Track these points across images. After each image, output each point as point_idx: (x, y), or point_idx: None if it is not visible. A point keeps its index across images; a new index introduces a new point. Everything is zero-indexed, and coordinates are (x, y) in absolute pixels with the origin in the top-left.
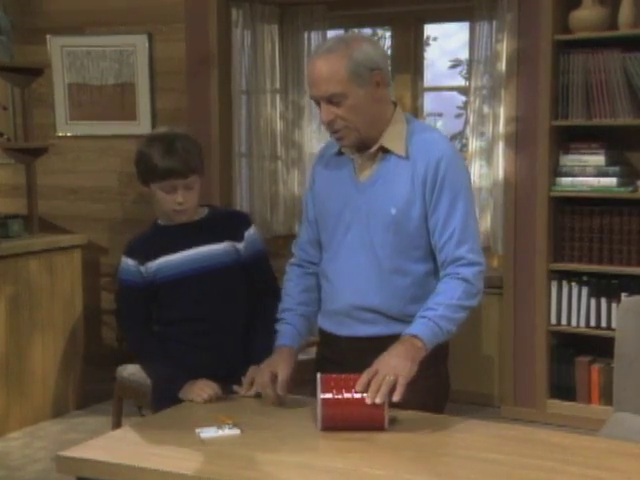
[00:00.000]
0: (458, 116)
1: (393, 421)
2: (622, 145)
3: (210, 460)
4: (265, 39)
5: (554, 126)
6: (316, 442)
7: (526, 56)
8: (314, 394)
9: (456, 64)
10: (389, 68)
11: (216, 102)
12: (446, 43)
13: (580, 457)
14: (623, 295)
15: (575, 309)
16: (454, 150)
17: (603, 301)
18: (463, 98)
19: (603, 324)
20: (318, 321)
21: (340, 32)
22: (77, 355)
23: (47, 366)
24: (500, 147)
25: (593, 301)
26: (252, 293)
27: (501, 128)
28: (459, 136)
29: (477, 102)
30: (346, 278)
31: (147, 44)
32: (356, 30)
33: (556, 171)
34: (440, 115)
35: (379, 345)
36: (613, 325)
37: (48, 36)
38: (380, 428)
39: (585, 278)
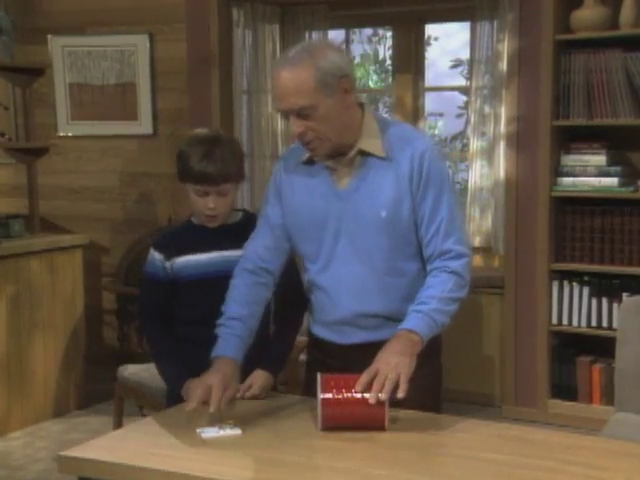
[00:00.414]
0: (459, 116)
1: (394, 421)
2: (623, 145)
3: (212, 460)
4: (266, 39)
5: (555, 126)
6: (317, 442)
7: (527, 56)
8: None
9: (457, 64)
10: (354, 72)
11: (217, 102)
12: (447, 43)
13: (581, 457)
14: (624, 295)
15: (576, 309)
16: (431, 142)
17: (604, 301)
18: (464, 98)
19: (604, 324)
20: (313, 331)
21: (341, 32)
22: (78, 355)
23: (48, 366)
24: (501, 147)
25: (594, 301)
26: (277, 299)
27: (502, 128)
28: (460, 136)
29: (478, 102)
30: (344, 287)
31: (148, 44)
32: (357, 30)
33: (557, 171)
34: (441, 115)
35: None
36: (614, 325)
37: (49, 36)
38: (381, 428)
39: (586, 278)
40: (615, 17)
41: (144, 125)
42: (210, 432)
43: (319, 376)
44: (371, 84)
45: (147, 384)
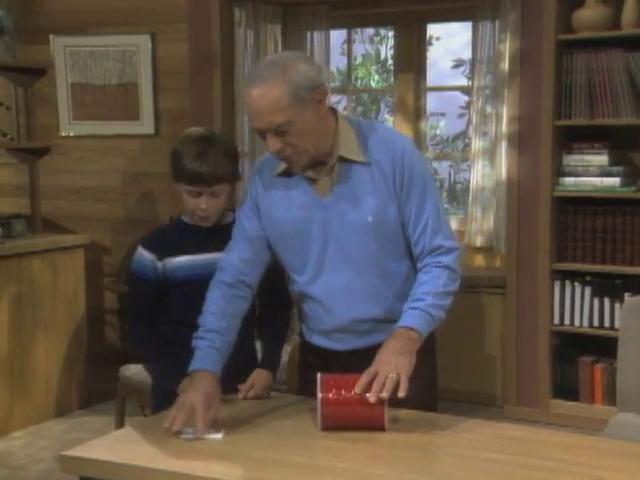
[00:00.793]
0: (461, 116)
1: (395, 421)
2: (625, 145)
3: (214, 460)
4: (268, 39)
5: (557, 126)
6: (318, 442)
7: (529, 56)
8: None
9: (459, 64)
10: (325, 79)
11: (219, 102)
12: (449, 43)
13: (583, 457)
14: (626, 295)
15: (578, 309)
16: (411, 142)
17: (606, 301)
18: (466, 98)
19: (606, 324)
20: (310, 340)
21: (343, 32)
22: (80, 355)
23: (50, 366)
24: (503, 147)
25: (596, 301)
26: (261, 303)
27: (504, 128)
28: (462, 136)
29: (480, 102)
30: (338, 296)
31: (150, 44)
32: (359, 30)
33: (559, 171)
34: (443, 115)
35: None
36: (616, 325)
37: (51, 36)
38: (380, 428)
39: (588, 278)
40: (617, 17)
41: (146, 125)
42: (190, 434)
43: (319, 376)
44: (373, 84)
45: (149, 384)
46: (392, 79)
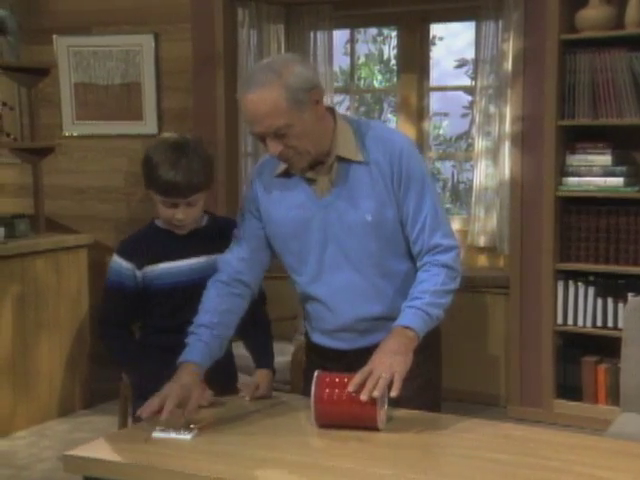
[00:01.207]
0: (464, 116)
1: (398, 421)
2: (629, 145)
3: (217, 459)
4: (271, 39)
5: (560, 126)
6: (321, 442)
7: (532, 56)
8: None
9: (462, 64)
10: (319, 80)
11: (222, 102)
12: (452, 43)
13: (587, 457)
14: (630, 295)
15: (581, 309)
16: (408, 139)
17: (610, 301)
18: (469, 98)
19: (610, 324)
20: (314, 339)
21: (346, 32)
22: (83, 354)
23: (53, 365)
24: (506, 147)
25: (600, 301)
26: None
27: (507, 128)
28: (465, 136)
29: (483, 102)
30: (339, 296)
31: (153, 44)
32: (362, 30)
33: (562, 171)
34: (446, 115)
35: None
36: (620, 325)
37: (54, 36)
38: (374, 428)
39: (591, 278)
40: (620, 17)
41: (149, 125)
42: (162, 433)
43: (316, 374)
44: (376, 84)
45: None
46: (395, 79)
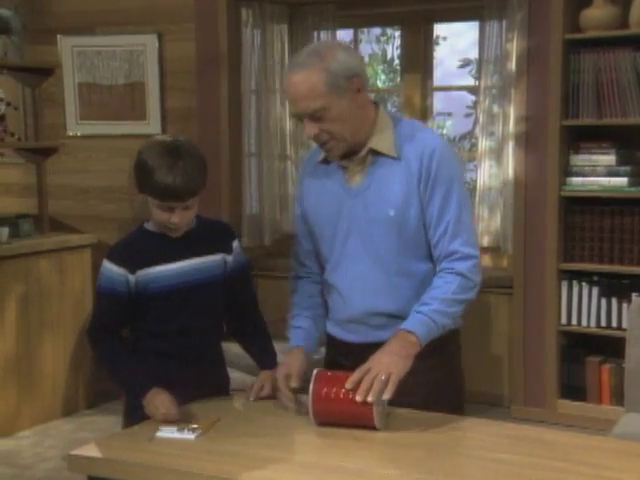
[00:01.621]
0: (468, 116)
1: (403, 421)
2: (633, 144)
3: (221, 459)
4: (275, 39)
5: (564, 126)
6: (326, 442)
7: (536, 55)
8: None
9: (466, 63)
10: (365, 70)
11: (226, 101)
12: (456, 42)
13: (591, 457)
14: (634, 295)
15: (585, 309)
16: (445, 143)
17: (614, 301)
18: (473, 98)
19: (614, 324)
20: (328, 329)
21: (349, 32)
22: (87, 354)
23: (57, 365)
24: (510, 147)
25: (604, 301)
26: (234, 304)
27: (511, 128)
28: (468, 136)
29: (487, 102)
30: (354, 286)
31: (157, 44)
32: (365, 30)
33: (566, 171)
34: (450, 115)
35: None
36: (624, 325)
37: (59, 36)
38: (371, 426)
39: (595, 278)
40: (625, 16)
41: (153, 125)
42: (166, 433)
43: (314, 372)
44: (379, 84)
45: None
46: (399, 79)
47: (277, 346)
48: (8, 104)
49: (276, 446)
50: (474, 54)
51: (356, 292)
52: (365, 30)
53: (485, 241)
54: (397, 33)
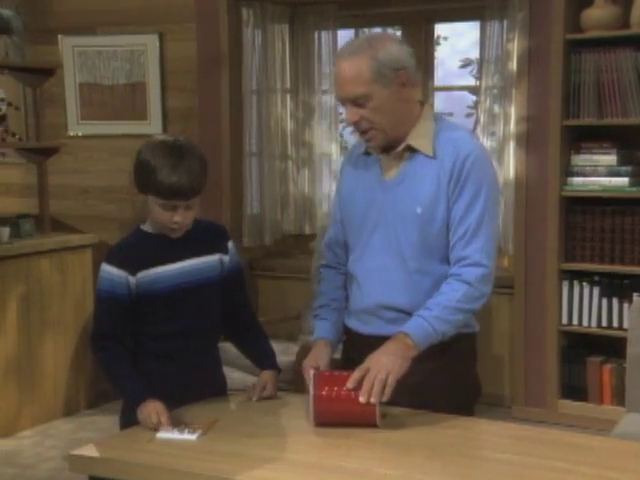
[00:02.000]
0: (469, 115)
1: (404, 421)
2: (634, 144)
3: (222, 459)
4: (275, 39)
5: (565, 126)
6: (327, 442)
7: (537, 55)
8: None
9: (467, 63)
10: (414, 66)
11: (227, 101)
12: (456, 42)
13: (593, 457)
14: (635, 295)
15: (586, 309)
16: (482, 149)
17: (615, 301)
18: (474, 97)
19: (615, 324)
20: (345, 321)
21: (350, 32)
22: (88, 354)
23: (58, 365)
24: (511, 147)
25: (604, 301)
26: (230, 305)
27: (512, 128)
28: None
29: (488, 102)
30: (373, 278)
31: (158, 44)
32: (366, 30)
33: (567, 171)
34: (450, 115)
35: None
36: (625, 325)
37: (60, 36)
38: (372, 424)
39: (596, 278)
40: (626, 16)
41: (154, 125)
42: (166, 434)
43: (312, 373)
44: None
45: None
46: None
47: (276, 346)
48: (9, 104)
49: (276, 446)
50: (475, 54)
51: (374, 284)
52: (366, 30)
53: None
54: (398, 33)
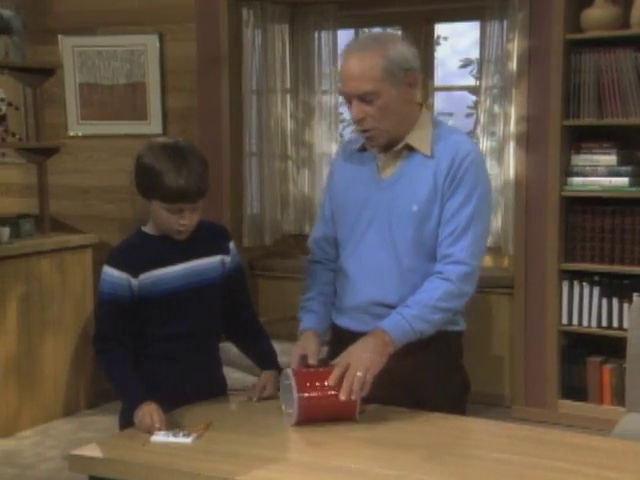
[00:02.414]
0: (469, 116)
1: (404, 421)
2: (634, 144)
3: (222, 459)
4: (275, 39)
5: (565, 126)
6: (326, 442)
7: (537, 55)
8: None
9: (467, 63)
10: (420, 68)
11: (227, 101)
12: (456, 42)
13: (593, 458)
14: (635, 295)
15: (586, 309)
16: (479, 153)
17: (615, 301)
18: (474, 98)
19: (615, 324)
20: (332, 318)
21: (350, 32)
22: (88, 354)
23: (58, 365)
24: (511, 147)
25: (604, 301)
26: (231, 305)
27: (512, 128)
28: (469, 136)
29: (488, 102)
30: (366, 275)
31: (158, 44)
32: (366, 30)
33: (567, 171)
34: (450, 115)
35: None
36: (625, 325)
37: (60, 36)
38: (352, 419)
39: (596, 278)
40: (626, 16)
41: (154, 125)
42: (161, 437)
43: (289, 372)
44: None
45: None
46: None
47: (276, 346)
48: (9, 104)
49: (276, 446)
50: (475, 54)
51: (367, 280)
52: (366, 30)
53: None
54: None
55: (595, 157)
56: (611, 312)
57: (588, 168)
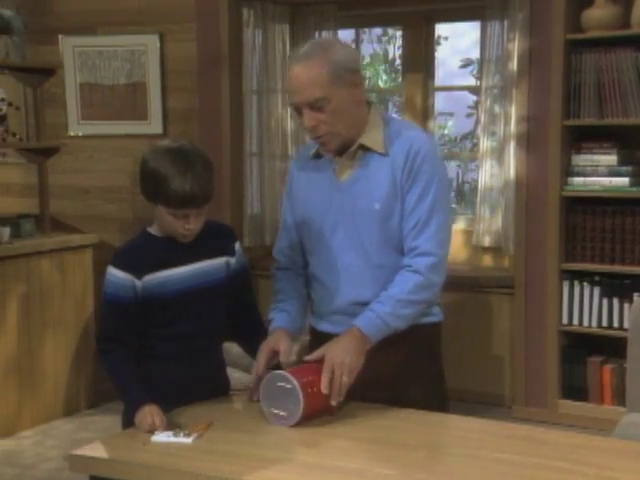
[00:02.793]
0: (469, 116)
1: (403, 421)
2: (634, 144)
3: (222, 459)
4: (276, 39)
5: (566, 126)
6: (327, 442)
7: (538, 55)
8: None
9: (467, 63)
10: (362, 68)
11: (227, 101)
12: (457, 42)
13: (593, 458)
14: (635, 295)
15: (587, 309)
16: (432, 144)
17: (615, 301)
18: (474, 97)
19: (615, 324)
20: (312, 324)
21: (350, 32)
22: (88, 354)
23: (58, 365)
24: (511, 147)
25: (605, 301)
26: (236, 306)
27: (512, 128)
28: (470, 136)
29: (488, 102)
30: (339, 277)
31: (158, 44)
32: (366, 30)
33: (568, 171)
34: (451, 115)
35: None
36: (625, 325)
37: (60, 36)
38: (331, 414)
39: (597, 278)
40: (626, 16)
41: (154, 125)
42: (161, 437)
43: (284, 373)
44: (381, 84)
45: None
46: (400, 79)
47: None
48: (10, 104)
49: (276, 446)
50: (475, 54)
51: (341, 283)
52: (366, 30)
53: (486, 241)
54: (399, 33)
55: (595, 157)
56: (611, 312)
57: (588, 168)
